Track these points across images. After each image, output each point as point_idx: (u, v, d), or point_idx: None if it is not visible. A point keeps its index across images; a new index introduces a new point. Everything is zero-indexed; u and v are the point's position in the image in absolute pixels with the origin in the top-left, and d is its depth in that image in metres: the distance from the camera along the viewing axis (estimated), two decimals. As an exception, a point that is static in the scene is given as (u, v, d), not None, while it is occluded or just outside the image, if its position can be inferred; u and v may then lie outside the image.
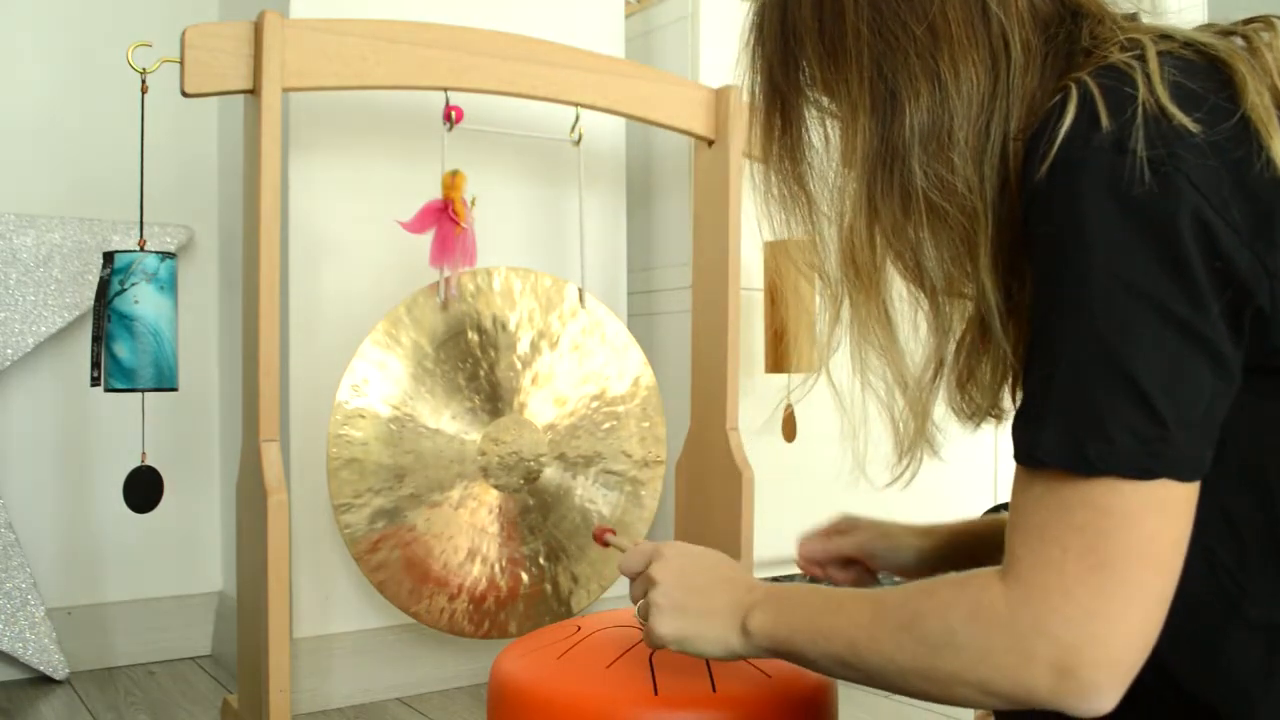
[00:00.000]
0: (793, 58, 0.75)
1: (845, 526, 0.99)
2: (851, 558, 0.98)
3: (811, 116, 0.78)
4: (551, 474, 1.63)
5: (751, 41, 0.79)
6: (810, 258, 0.80)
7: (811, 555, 0.99)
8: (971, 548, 0.94)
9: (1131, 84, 0.60)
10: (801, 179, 0.78)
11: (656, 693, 0.84)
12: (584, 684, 0.87)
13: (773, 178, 0.80)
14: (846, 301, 0.74)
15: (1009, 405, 0.75)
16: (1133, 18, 0.71)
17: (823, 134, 0.77)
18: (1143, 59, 0.62)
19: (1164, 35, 0.65)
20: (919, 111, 0.67)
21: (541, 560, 1.62)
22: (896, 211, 0.69)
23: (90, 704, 1.60)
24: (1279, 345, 0.60)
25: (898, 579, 0.92)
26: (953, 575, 0.65)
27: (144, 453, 1.46)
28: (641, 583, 0.83)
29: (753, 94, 0.79)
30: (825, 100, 0.76)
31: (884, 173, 0.69)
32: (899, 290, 0.73)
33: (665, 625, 0.78)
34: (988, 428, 0.78)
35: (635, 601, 0.85)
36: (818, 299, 0.79)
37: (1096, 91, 0.61)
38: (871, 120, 0.69)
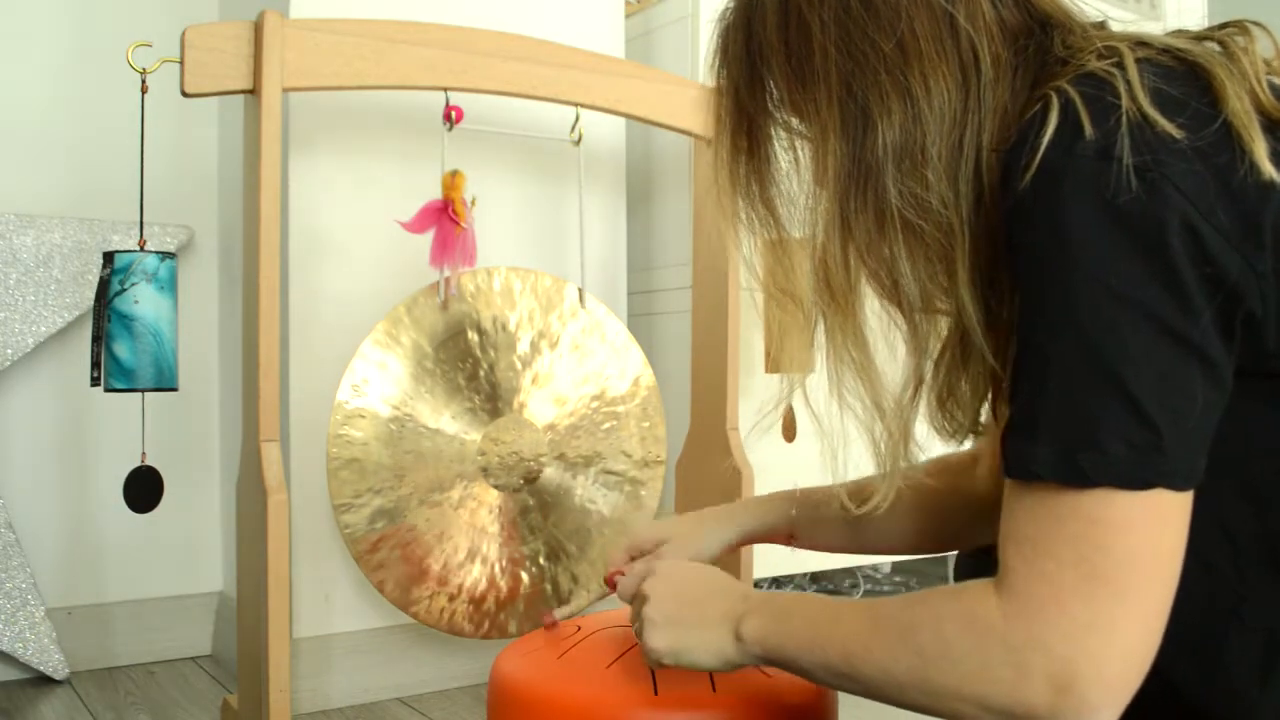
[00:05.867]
0: (759, 79, 0.74)
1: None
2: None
3: (779, 138, 0.76)
4: (551, 474, 1.63)
5: (717, 64, 0.77)
6: (781, 281, 0.79)
7: None
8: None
9: (1113, 91, 0.60)
10: (770, 202, 0.77)
11: (656, 693, 0.84)
12: (584, 684, 0.87)
13: (740, 202, 0.78)
14: (821, 323, 0.73)
15: (991, 421, 0.74)
16: (1101, 25, 0.70)
17: (792, 156, 0.76)
18: (1122, 66, 0.61)
19: (1140, 42, 0.64)
20: (891, 129, 0.66)
21: (541, 560, 1.62)
22: (871, 230, 0.68)
23: (90, 704, 1.60)
24: (1272, 349, 0.59)
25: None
26: (948, 585, 0.64)
27: (144, 453, 1.46)
28: (637, 602, 0.83)
29: (718, 118, 0.78)
30: (794, 121, 0.75)
31: (857, 192, 0.68)
32: (874, 309, 0.72)
33: (659, 639, 0.78)
34: (970, 444, 0.77)
35: (633, 623, 0.84)
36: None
37: (1078, 100, 0.60)
38: (843, 140, 0.68)
